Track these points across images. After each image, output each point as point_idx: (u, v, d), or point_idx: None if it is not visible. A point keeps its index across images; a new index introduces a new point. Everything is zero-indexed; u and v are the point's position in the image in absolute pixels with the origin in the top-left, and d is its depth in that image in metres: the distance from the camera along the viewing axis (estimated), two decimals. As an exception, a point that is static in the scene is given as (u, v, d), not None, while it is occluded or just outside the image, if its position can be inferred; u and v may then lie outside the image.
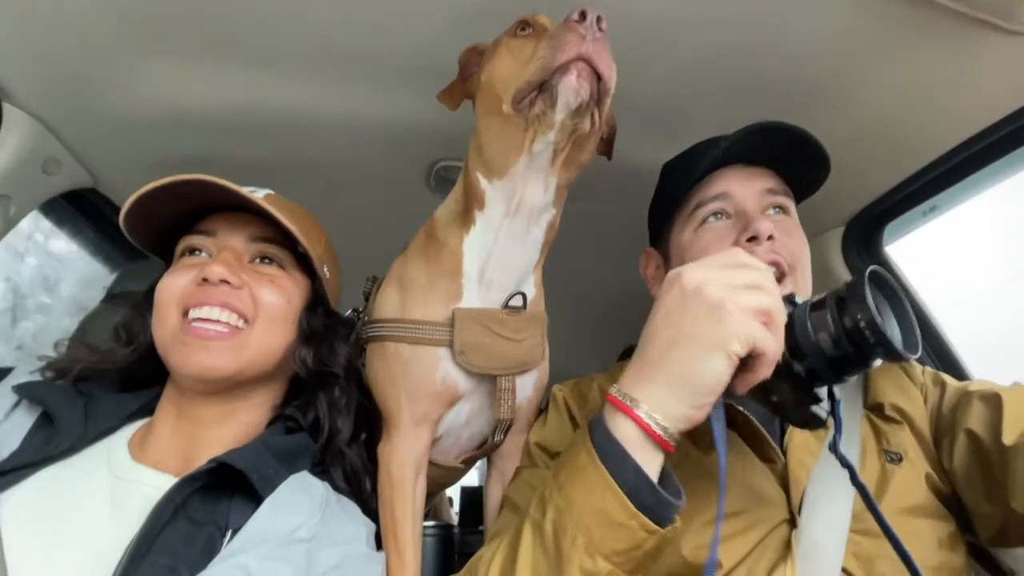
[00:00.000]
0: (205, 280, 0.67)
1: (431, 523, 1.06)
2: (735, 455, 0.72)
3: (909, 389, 0.78)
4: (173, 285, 0.69)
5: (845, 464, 0.55)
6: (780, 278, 0.72)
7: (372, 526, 0.71)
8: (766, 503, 0.67)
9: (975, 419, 0.68)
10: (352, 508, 0.71)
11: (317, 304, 0.76)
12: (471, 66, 0.78)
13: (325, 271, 0.77)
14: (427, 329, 0.74)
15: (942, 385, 0.77)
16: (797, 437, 0.72)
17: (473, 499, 1.96)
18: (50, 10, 0.77)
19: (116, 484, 0.63)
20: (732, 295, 0.48)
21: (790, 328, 0.51)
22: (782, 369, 0.50)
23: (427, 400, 0.75)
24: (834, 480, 0.67)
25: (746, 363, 0.49)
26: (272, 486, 0.64)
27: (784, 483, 0.68)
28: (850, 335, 0.49)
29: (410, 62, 0.91)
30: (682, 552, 0.64)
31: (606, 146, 0.82)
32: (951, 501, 0.70)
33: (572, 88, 0.61)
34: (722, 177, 0.78)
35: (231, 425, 0.71)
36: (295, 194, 1.23)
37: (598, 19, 0.61)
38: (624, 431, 0.50)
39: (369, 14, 0.83)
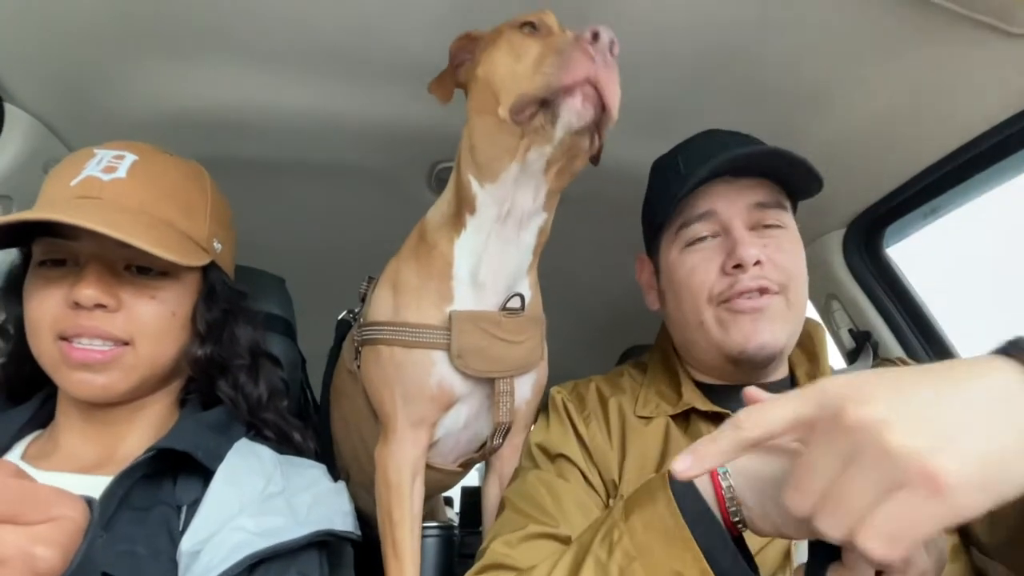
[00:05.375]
0: (77, 304, 0.60)
1: (432, 524, 1.06)
2: None
3: None
4: (42, 309, 0.62)
5: None
6: (764, 293, 0.71)
7: (323, 466, 0.73)
8: None
9: None
10: (300, 459, 0.72)
11: (213, 290, 0.70)
12: (463, 54, 0.75)
13: (216, 245, 0.70)
14: (421, 332, 0.73)
15: None
16: None
17: (474, 499, 1.96)
18: (51, 11, 0.77)
19: None
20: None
21: None
22: None
23: (423, 404, 0.74)
24: None
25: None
26: (219, 457, 0.64)
27: None
28: None
29: (411, 62, 0.91)
30: None
31: (594, 154, 0.80)
32: None
33: (575, 111, 0.59)
34: (708, 193, 0.75)
35: (142, 418, 0.68)
36: (295, 194, 1.25)
37: (612, 43, 0.58)
38: (707, 489, 0.47)
39: (370, 14, 0.82)
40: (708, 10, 0.80)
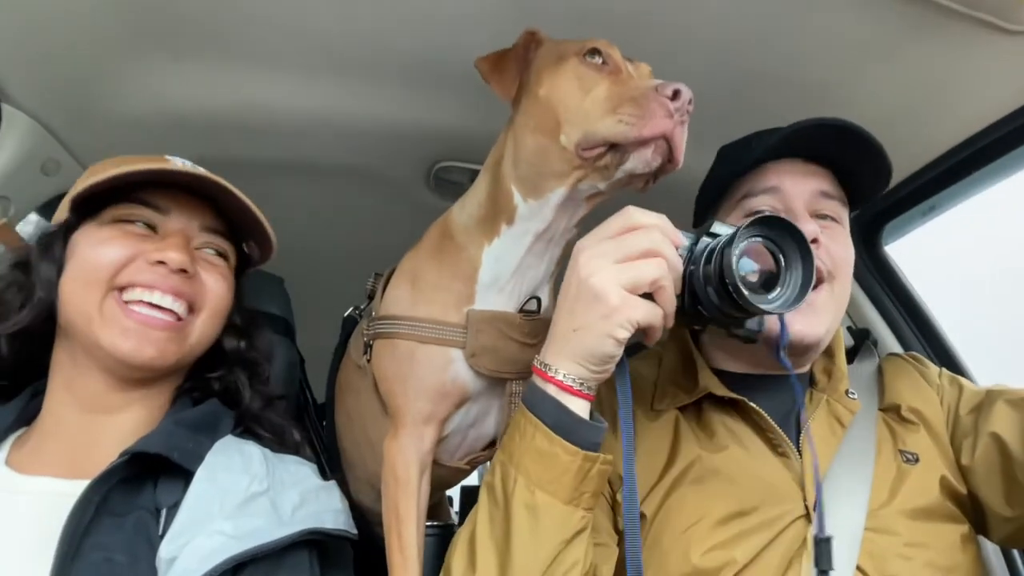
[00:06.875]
0: (160, 262, 0.63)
1: (433, 523, 1.06)
2: (749, 450, 0.72)
3: (925, 391, 0.78)
4: (110, 255, 0.62)
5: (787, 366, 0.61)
6: (817, 284, 0.70)
7: (314, 464, 0.72)
8: (781, 499, 0.67)
9: (1001, 423, 0.69)
10: (289, 456, 0.71)
11: (240, 300, 0.75)
12: (527, 54, 0.72)
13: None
14: (439, 329, 0.73)
15: (959, 387, 0.78)
16: (814, 434, 0.72)
17: (473, 499, 1.95)
18: (50, 11, 0.76)
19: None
20: (616, 279, 0.54)
21: (691, 279, 0.58)
22: (691, 311, 0.59)
23: (435, 399, 0.74)
24: (850, 477, 0.68)
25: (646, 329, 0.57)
26: (199, 457, 0.62)
27: (800, 479, 0.68)
28: (728, 294, 0.55)
29: (410, 62, 0.91)
30: (690, 558, 0.64)
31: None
32: (965, 503, 0.70)
33: (645, 160, 0.61)
34: (776, 170, 0.74)
35: (132, 411, 0.66)
36: (295, 194, 1.25)
37: (690, 102, 0.60)
38: (549, 388, 0.58)
39: (369, 14, 0.82)
40: (708, 8, 0.80)
